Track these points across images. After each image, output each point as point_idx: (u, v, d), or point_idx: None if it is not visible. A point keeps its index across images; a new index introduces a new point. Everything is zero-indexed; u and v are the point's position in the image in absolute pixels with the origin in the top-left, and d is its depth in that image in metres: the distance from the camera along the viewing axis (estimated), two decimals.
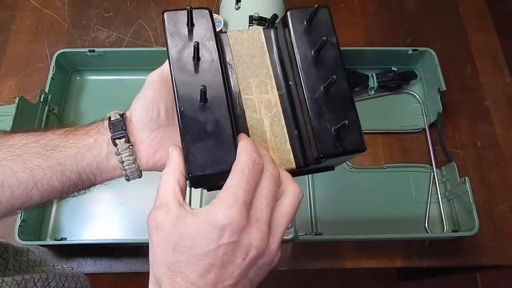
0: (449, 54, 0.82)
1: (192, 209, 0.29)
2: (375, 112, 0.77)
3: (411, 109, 0.78)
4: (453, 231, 0.66)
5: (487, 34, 0.86)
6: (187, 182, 0.32)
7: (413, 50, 0.75)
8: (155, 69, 0.37)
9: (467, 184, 0.64)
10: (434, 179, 0.71)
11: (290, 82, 0.37)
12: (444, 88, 0.71)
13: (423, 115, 0.76)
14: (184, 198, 0.30)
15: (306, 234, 0.64)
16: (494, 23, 0.87)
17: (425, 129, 0.75)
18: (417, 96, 0.78)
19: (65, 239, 0.64)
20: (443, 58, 0.74)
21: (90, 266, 0.64)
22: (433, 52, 0.74)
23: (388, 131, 0.76)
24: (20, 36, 0.83)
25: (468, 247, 0.67)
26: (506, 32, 0.83)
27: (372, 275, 1.30)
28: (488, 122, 0.77)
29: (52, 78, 0.71)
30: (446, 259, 0.67)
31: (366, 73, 0.77)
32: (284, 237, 0.31)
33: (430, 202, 0.69)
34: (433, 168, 0.72)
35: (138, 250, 0.65)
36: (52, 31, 0.84)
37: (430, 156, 0.73)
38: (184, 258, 0.27)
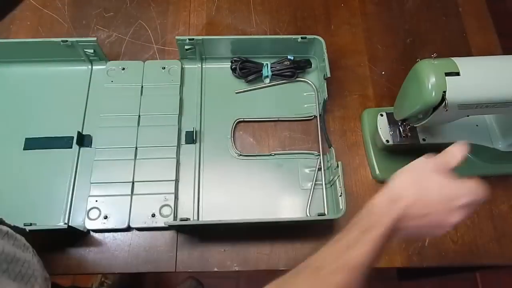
0: (449, 54, 0.82)
1: None
2: (268, 101, 0.77)
3: (306, 97, 0.78)
4: (319, 215, 0.66)
5: (487, 34, 0.86)
6: None
7: (302, 38, 0.75)
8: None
9: (339, 169, 0.63)
10: (320, 165, 0.71)
11: None
12: (329, 75, 0.71)
13: (315, 103, 0.77)
14: None
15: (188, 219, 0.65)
16: (494, 23, 0.87)
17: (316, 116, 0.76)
18: (312, 85, 0.78)
19: None
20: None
21: (89, 266, 0.64)
22: (321, 40, 0.74)
23: (280, 119, 0.75)
24: (20, 36, 0.83)
25: (468, 247, 0.67)
26: (506, 32, 0.83)
27: (372, 275, 1.29)
28: None
29: None
30: (446, 259, 0.67)
31: (261, 62, 0.77)
32: None
33: (314, 189, 0.69)
34: (320, 155, 0.72)
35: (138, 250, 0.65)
36: (52, 31, 0.84)
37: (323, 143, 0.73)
38: None
